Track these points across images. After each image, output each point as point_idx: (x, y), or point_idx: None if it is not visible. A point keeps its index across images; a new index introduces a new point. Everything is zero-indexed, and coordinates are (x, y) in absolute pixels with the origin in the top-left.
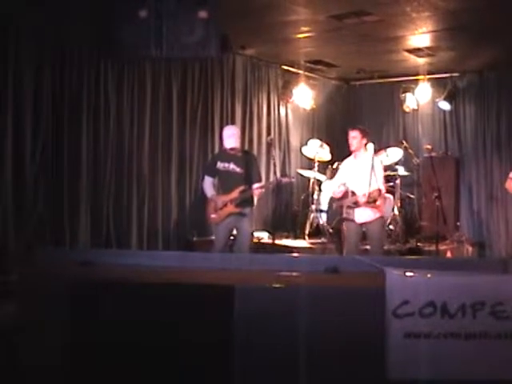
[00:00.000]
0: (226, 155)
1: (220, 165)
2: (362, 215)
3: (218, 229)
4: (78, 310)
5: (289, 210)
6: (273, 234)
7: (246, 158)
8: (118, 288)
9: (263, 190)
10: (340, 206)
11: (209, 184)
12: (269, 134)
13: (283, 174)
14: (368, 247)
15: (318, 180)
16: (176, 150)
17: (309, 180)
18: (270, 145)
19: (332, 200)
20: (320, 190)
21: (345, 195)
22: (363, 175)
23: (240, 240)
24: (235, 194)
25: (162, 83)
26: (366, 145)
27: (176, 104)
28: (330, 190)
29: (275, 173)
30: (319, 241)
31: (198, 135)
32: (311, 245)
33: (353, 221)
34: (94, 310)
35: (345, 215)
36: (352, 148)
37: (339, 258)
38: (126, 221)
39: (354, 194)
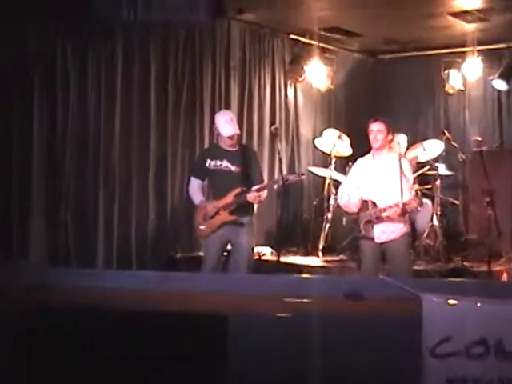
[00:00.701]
0: (219, 150)
1: (210, 163)
2: (384, 232)
3: (207, 243)
4: (25, 345)
5: (298, 218)
6: (278, 249)
7: (243, 153)
8: (80, 317)
9: (264, 193)
10: (354, 220)
11: (196, 187)
12: (273, 122)
13: (291, 173)
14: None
15: (335, 181)
16: (154, 144)
17: (323, 180)
18: (274, 136)
19: (342, 212)
20: (337, 194)
21: (362, 207)
22: (387, 180)
23: (236, 257)
24: (229, 198)
25: (136, 57)
26: (390, 142)
27: (154, 84)
28: (342, 198)
29: (281, 171)
30: (336, 258)
31: (182, 124)
32: (326, 263)
33: (371, 239)
34: (47, 345)
35: (362, 232)
36: (375, 145)
37: (362, 279)
38: (90, 231)
39: (374, 204)
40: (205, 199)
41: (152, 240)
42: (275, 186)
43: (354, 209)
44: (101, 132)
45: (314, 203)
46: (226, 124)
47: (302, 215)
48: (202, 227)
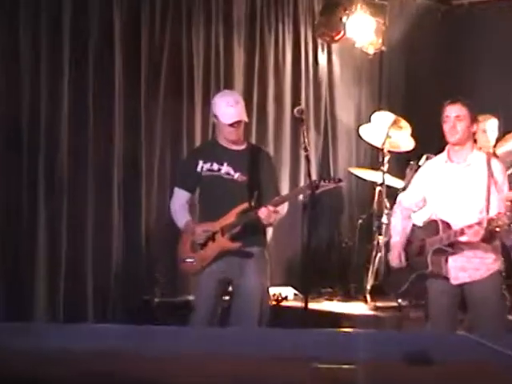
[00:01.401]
0: (216, 149)
1: (204, 167)
2: (465, 269)
3: (199, 283)
4: None
5: (334, 245)
6: (304, 290)
7: (252, 154)
8: None
9: (283, 208)
10: (420, 249)
11: (182, 203)
12: (297, 103)
13: (323, 178)
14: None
15: (390, 188)
16: (120, 141)
17: (372, 188)
18: (298, 123)
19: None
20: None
21: (431, 230)
22: (469, 191)
23: (241, 303)
24: (231, 217)
25: (91, 11)
26: (474, 134)
27: (120, 50)
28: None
29: (309, 175)
30: (393, 304)
31: (161, 112)
32: (377, 311)
33: (445, 278)
34: None
35: (430, 268)
36: (453, 138)
37: (431, 336)
38: (26, 268)
39: (447, 226)
40: (192, 219)
41: (117, 279)
42: (300, 197)
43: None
44: (39, 124)
45: (359, 222)
46: (228, 108)
47: (340, 241)
48: (189, 260)
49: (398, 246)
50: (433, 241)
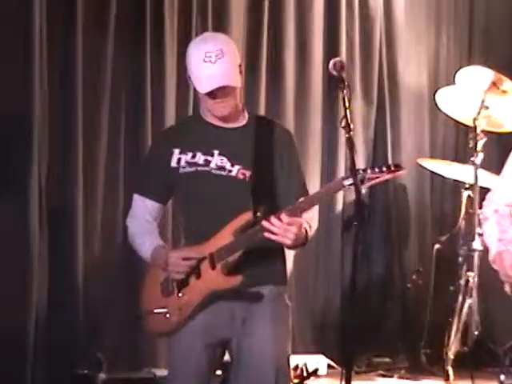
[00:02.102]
0: (201, 130)
1: (182, 159)
2: None
3: (177, 347)
4: None
5: (393, 286)
6: (344, 361)
7: (260, 133)
8: None
9: (311, 218)
10: None
11: (146, 218)
12: (334, 53)
13: (371, 167)
14: None
15: (488, 191)
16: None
17: (458, 191)
18: (337, 84)
19: (503, 267)
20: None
21: None
22: None
23: (245, 378)
24: (226, 236)
25: None
26: None
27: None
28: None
29: (352, 166)
30: None
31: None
32: None
33: None
34: None
35: None
36: None
37: None
38: None
39: None
40: (165, 244)
41: (39, 342)
42: (338, 208)
43: None
44: None
45: (436, 248)
46: (205, 66)
47: (403, 278)
48: (160, 311)
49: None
50: None
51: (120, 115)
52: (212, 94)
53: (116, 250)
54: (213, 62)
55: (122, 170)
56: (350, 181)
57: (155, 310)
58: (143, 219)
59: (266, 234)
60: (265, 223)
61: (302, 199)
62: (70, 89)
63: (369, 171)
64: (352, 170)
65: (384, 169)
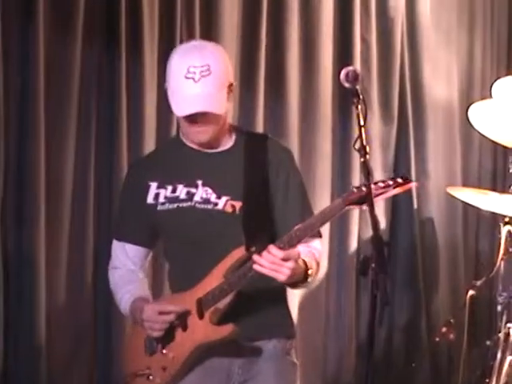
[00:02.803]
0: (183, 154)
1: (160, 194)
2: None
3: None
4: None
5: (419, 340)
6: None
7: (251, 155)
8: None
9: (315, 249)
10: None
11: (128, 268)
12: (346, 60)
13: (380, 183)
14: None
15: None
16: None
17: (497, 225)
18: (351, 97)
19: None
20: None
21: None
22: None
23: None
24: (215, 278)
25: None
26: None
27: None
28: None
29: (368, 174)
30: None
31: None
32: None
33: None
34: None
35: None
36: None
37: None
38: None
39: None
40: (149, 297)
41: None
42: (352, 244)
43: None
44: None
45: (470, 295)
46: (185, 83)
47: (430, 331)
48: (143, 372)
49: None
50: None
51: (89, 141)
52: (189, 118)
53: (91, 304)
54: (196, 81)
55: (91, 207)
56: (349, 203)
57: (139, 373)
58: (124, 269)
59: (256, 268)
60: (255, 257)
61: (298, 226)
62: (30, 100)
63: (373, 187)
64: (369, 178)
65: (390, 182)
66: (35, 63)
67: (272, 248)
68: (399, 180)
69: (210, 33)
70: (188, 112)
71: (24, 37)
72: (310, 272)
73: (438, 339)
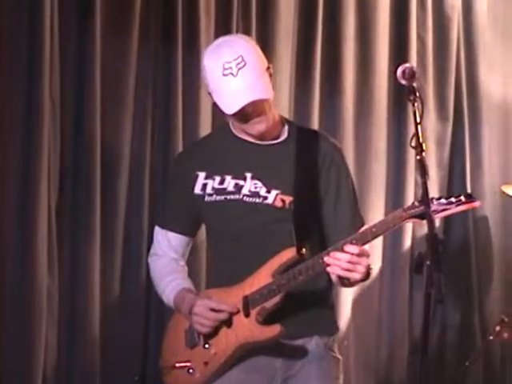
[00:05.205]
0: (231, 145)
1: (208, 185)
2: None
3: None
4: None
5: (473, 342)
6: None
7: (303, 150)
8: None
9: (362, 256)
10: None
11: (170, 256)
12: (401, 58)
13: (443, 199)
14: None
15: None
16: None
17: None
18: (408, 95)
19: None
20: None
21: None
22: None
23: None
24: (263, 277)
25: None
26: None
27: None
28: None
29: (426, 194)
30: None
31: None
32: None
33: None
34: None
35: None
36: None
37: None
38: None
39: None
40: (196, 287)
41: None
42: (408, 232)
43: None
44: None
45: None
46: (225, 80)
47: (483, 328)
48: (183, 364)
49: None
50: None
51: (145, 137)
52: (241, 113)
53: (133, 293)
54: (234, 75)
55: (146, 200)
56: (413, 212)
57: (178, 365)
58: (167, 257)
59: (332, 269)
60: (330, 259)
61: (363, 230)
62: (85, 96)
63: (435, 202)
64: (423, 198)
65: (453, 200)
66: (92, 62)
67: (347, 246)
68: (462, 198)
69: (267, 27)
70: (238, 107)
71: (81, 35)
72: (371, 268)
73: (491, 338)
